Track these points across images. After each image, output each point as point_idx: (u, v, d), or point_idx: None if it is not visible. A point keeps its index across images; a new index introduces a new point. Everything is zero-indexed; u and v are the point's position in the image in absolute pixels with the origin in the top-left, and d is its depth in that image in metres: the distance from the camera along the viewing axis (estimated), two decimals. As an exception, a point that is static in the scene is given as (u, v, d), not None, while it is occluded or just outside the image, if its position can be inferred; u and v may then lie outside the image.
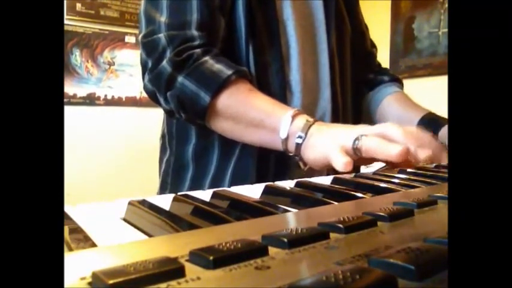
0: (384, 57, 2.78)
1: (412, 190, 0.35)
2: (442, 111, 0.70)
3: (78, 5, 2.59)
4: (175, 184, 0.77)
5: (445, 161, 0.50)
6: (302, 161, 0.57)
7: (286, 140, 0.58)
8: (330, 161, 0.51)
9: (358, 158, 0.52)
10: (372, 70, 0.92)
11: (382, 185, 0.37)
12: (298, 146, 0.56)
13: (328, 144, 0.52)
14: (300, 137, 0.56)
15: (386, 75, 0.91)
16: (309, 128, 0.56)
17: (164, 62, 0.64)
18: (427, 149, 0.48)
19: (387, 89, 0.87)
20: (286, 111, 0.59)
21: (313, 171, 0.57)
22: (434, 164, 0.60)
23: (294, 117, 0.58)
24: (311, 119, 0.57)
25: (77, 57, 2.60)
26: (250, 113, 0.62)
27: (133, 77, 2.74)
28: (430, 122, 0.75)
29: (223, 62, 0.64)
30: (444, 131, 0.72)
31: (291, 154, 0.58)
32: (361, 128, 0.53)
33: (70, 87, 2.57)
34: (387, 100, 0.85)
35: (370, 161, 0.54)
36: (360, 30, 0.88)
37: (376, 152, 0.48)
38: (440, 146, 0.50)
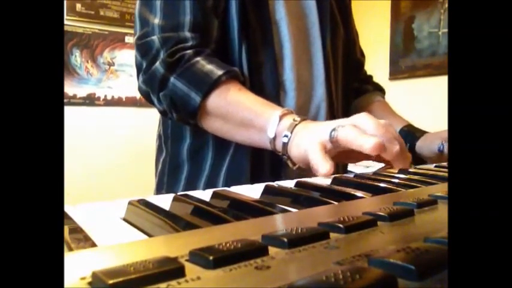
0: (383, 57, 2.79)
1: (412, 190, 0.35)
2: (442, 111, 0.70)
3: (78, 5, 2.58)
4: (171, 183, 0.77)
5: (407, 162, 0.51)
6: (290, 160, 0.57)
7: (274, 139, 0.59)
8: (309, 160, 0.51)
9: (340, 154, 0.52)
10: (358, 78, 0.95)
11: (382, 185, 0.37)
12: (285, 145, 0.57)
13: (307, 140, 0.53)
14: (286, 136, 0.56)
15: (370, 85, 0.96)
16: (295, 127, 0.56)
17: (157, 63, 0.65)
18: (396, 143, 0.49)
19: (371, 98, 0.92)
20: (274, 111, 0.59)
21: (306, 170, 0.58)
22: (434, 164, 0.60)
23: (281, 117, 0.58)
24: (298, 118, 0.57)
25: (76, 58, 2.60)
26: (239, 113, 0.63)
27: (133, 77, 2.73)
28: (408, 133, 0.81)
29: (214, 63, 0.65)
30: (420, 143, 0.78)
31: (279, 153, 0.59)
32: (339, 121, 0.53)
33: (70, 88, 2.57)
34: (369, 109, 0.89)
35: (352, 157, 0.55)
36: (351, 37, 0.90)
37: (352, 142, 0.48)
38: (404, 146, 0.50)
